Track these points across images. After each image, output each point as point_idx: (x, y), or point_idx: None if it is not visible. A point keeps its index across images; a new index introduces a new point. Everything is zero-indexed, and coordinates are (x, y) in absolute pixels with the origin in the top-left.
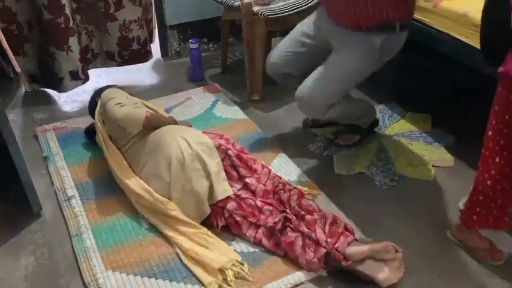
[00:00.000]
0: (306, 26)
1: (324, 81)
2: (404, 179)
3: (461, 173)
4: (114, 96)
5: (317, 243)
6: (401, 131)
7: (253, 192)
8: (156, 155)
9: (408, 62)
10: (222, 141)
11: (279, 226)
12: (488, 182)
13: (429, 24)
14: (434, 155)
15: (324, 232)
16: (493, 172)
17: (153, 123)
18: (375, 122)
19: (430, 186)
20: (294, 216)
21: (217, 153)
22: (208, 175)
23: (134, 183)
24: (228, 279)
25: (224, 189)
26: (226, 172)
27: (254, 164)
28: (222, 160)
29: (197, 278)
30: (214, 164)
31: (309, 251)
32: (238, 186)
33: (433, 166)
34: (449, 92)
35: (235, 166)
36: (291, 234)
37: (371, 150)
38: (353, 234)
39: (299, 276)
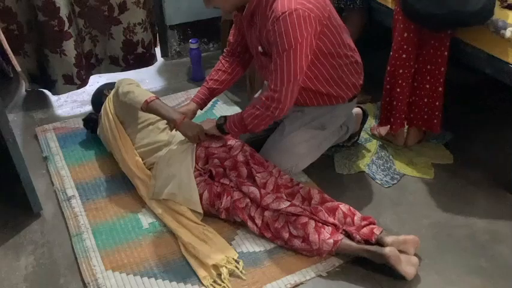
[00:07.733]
0: None
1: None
2: (405, 177)
3: (460, 170)
4: (129, 82)
5: (334, 226)
6: None
7: (263, 186)
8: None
9: None
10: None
11: (288, 210)
12: (398, 90)
13: None
14: (433, 152)
15: (349, 216)
16: (398, 90)
17: (151, 110)
18: (364, 115)
19: (430, 184)
20: (304, 208)
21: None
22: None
23: (141, 172)
24: (222, 276)
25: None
26: (237, 168)
27: (266, 162)
28: (235, 156)
29: (193, 271)
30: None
31: (324, 231)
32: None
33: (433, 164)
34: (447, 90)
35: (248, 163)
36: (304, 218)
37: (371, 149)
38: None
39: (299, 276)
